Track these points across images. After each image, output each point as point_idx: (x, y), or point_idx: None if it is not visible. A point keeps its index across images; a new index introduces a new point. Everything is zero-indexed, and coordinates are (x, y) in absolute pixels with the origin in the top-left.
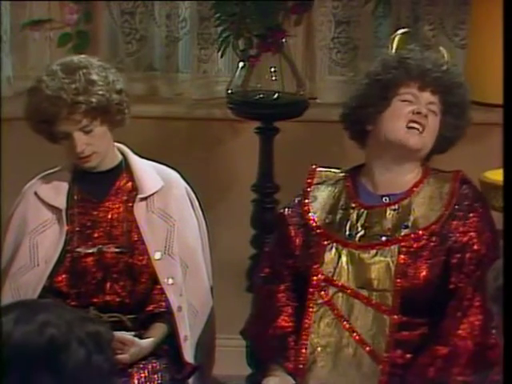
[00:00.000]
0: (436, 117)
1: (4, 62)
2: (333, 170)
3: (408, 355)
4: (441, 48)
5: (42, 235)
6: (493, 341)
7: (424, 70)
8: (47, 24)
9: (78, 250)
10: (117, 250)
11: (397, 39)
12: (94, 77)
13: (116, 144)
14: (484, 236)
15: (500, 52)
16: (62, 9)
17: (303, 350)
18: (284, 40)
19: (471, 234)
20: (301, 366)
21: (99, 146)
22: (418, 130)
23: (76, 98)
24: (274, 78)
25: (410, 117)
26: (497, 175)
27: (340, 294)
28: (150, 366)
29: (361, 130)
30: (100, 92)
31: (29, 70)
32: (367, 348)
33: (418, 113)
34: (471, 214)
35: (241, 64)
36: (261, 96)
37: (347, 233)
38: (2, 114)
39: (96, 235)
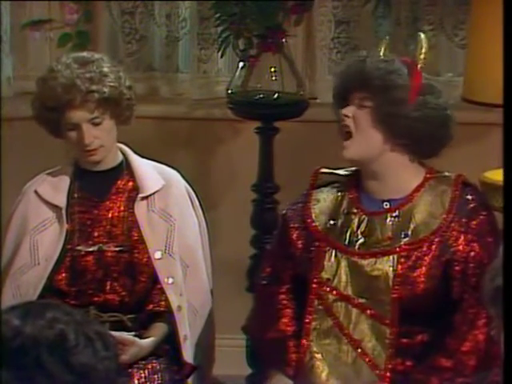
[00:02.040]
0: (368, 108)
1: (4, 62)
2: (337, 171)
3: (408, 362)
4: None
5: (43, 234)
6: (495, 351)
7: (346, 75)
8: (47, 24)
9: (79, 248)
10: (117, 248)
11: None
12: (106, 69)
13: (117, 144)
14: (487, 245)
15: (500, 52)
16: (61, 9)
17: (302, 356)
18: (284, 40)
19: (473, 244)
20: (300, 371)
21: (106, 140)
22: (345, 135)
23: (90, 86)
24: (273, 78)
25: (339, 123)
26: (497, 175)
27: (339, 302)
28: (149, 366)
29: None
30: (112, 84)
31: (29, 70)
32: (366, 355)
33: (344, 115)
34: (473, 222)
35: (241, 64)
36: (261, 96)
37: (347, 240)
38: (2, 114)
39: (96, 234)
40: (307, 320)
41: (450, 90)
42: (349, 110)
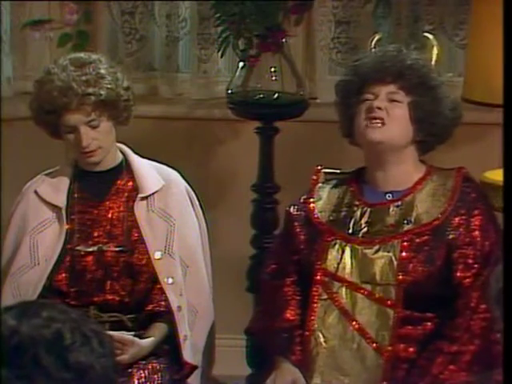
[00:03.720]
0: (401, 104)
1: (4, 62)
2: (338, 171)
3: (411, 349)
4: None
5: (43, 234)
6: (495, 338)
7: (377, 67)
8: (47, 24)
9: (78, 248)
10: (117, 249)
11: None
12: (103, 71)
13: (117, 144)
14: (488, 233)
15: (500, 52)
16: (62, 9)
17: (308, 344)
18: (284, 40)
19: (475, 232)
20: (306, 359)
21: (104, 141)
22: (377, 123)
23: (86, 89)
24: (274, 78)
25: (368, 114)
26: (497, 175)
27: (344, 289)
28: (149, 366)
29: (352, 138)
30: (109, 86)
31: (28, 70)
32: (370, 342)
33: (377, 108)
34: (475, 212)
35: (241, 64)
36: (261, 96)
37: (350, 230)
38: (2, 114)
39: (96, 234)
40: (312, 309)
41: (450, 90)
42: (382, 103)
